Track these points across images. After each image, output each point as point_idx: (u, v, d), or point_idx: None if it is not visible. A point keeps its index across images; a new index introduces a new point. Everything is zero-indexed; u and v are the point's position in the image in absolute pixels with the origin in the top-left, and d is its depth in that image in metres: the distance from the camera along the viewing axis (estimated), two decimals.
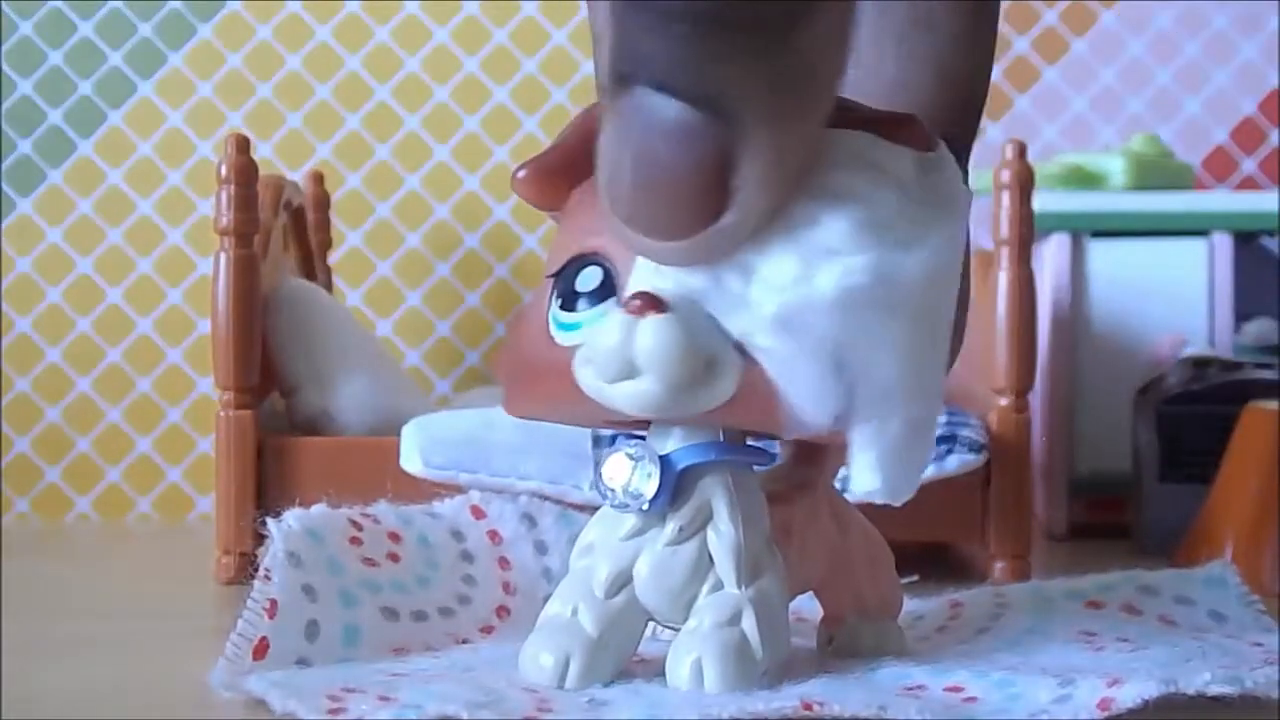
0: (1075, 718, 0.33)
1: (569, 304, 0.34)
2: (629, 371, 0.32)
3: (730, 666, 0.34)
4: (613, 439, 0.36)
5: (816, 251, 0.31)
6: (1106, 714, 0.33)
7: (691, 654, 0.34)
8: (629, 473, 0.35)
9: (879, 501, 0.33)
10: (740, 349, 0.32)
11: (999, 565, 0.57)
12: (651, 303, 0.32)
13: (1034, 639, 0.42)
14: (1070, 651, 0.40)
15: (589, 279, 0.33)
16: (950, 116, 0.35)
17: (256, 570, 0.56)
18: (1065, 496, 0.71)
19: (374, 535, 0.43)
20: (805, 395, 0.32)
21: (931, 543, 0.61)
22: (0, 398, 0.83)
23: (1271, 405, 0.59)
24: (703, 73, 0.28)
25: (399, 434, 0.56)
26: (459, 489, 0.53)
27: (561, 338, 0.34)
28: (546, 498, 0.53)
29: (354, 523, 0.43)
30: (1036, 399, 0.68)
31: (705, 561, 0.35)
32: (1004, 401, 0.58)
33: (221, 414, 0.57)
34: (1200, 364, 0.67)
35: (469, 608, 0.43)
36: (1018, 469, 0.57)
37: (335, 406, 0.61)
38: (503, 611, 0.44)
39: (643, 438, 0.35)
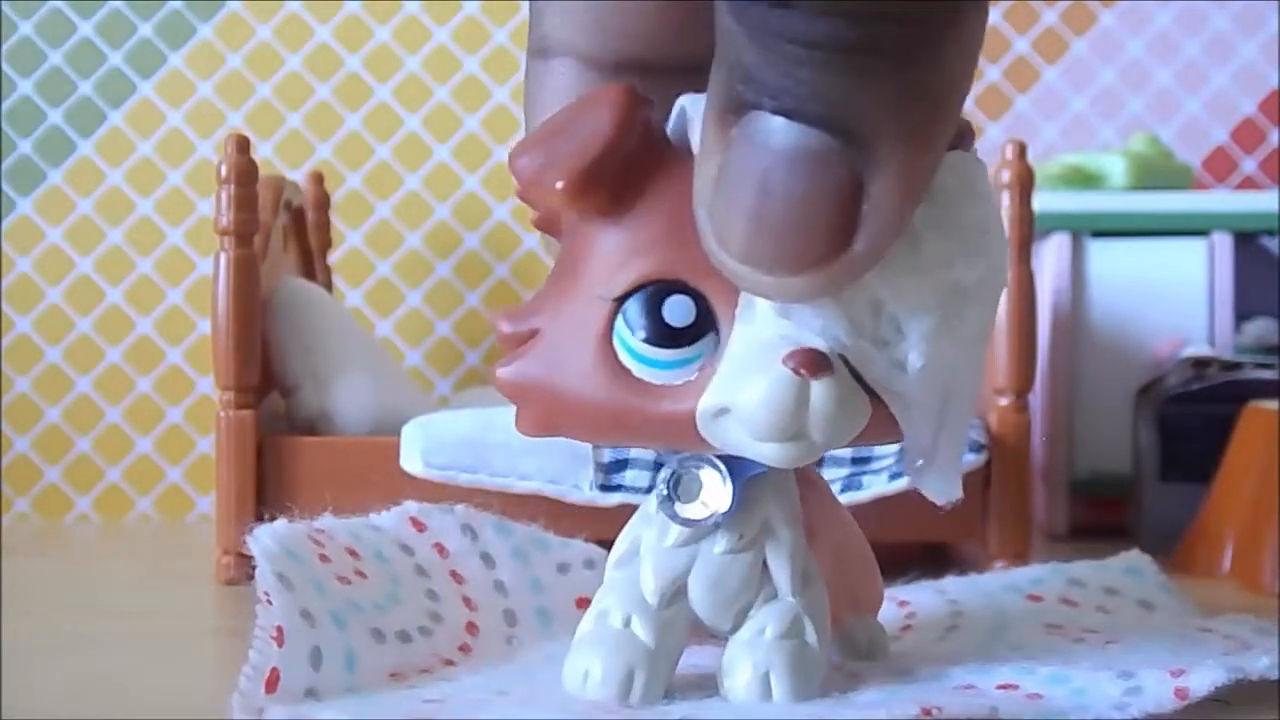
0: (1159, 707, 0.34)
1: (661, 340, 0.31)
2: (798, 433, 0.30)
3: (800, 678, 0.34)
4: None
5: (952, 294, 0.30)
6: (1185, 702, 0.34)
7: (758, 665, 0.34)
8: (711, 489, 0.34)
9: (942, 504, 0.34)
10: (867, 389, 0.31)
11: (999, 565, 0.56)
12: (822, 363, 0.30)
13: (1007, 635, 0.42)
14: (1066, 646, 0.40)
15: (680, 312, 0.31)
16: None
17: (256, 571, 0.56)
18: (1065, 496, 0.71)
19: (335, 551, 0.41)
20: (922, 424, 0.32)
21: (931, 543, 0.61)
22: (0, 398, 0.83)
23: (1271, 405, 0.59)
24: (840, 99, 0.27)
25: (399, 434, 0.56)
26: (459, 489, 0.53)
27: (647, 374, 0.31)
28: (547, 498, 0.54)
29: (312, 539, 0.41)
30: (1036, 399, 0.68)
31: (760, 569, 0.35)
32: (1004, 401, 0.58)
33: (221, 414, 0.57)
34: (1200, 364, 0.67)
35: (443, 625, 0.41)
36: (1018, 469, 0.57)
37: (335, 407, 0.61)
38: (472, 628, 0.42)
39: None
